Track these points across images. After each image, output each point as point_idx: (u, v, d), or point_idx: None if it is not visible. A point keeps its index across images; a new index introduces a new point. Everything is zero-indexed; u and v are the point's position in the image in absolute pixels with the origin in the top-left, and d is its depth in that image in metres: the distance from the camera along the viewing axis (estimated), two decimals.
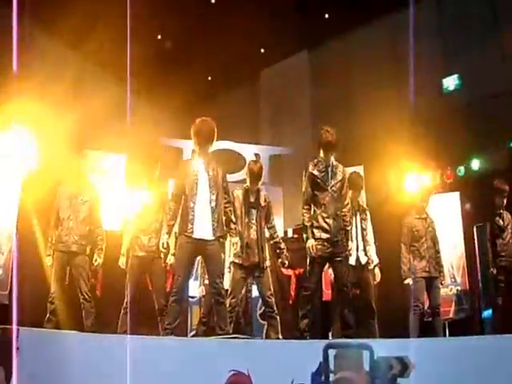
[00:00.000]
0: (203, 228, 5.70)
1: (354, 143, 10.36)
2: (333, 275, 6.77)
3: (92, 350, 4.93)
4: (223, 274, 6.05)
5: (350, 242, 6.31)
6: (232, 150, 11.08)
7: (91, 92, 12.10)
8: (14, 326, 5.36)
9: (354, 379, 4.34)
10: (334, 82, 12.18)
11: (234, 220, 6.11)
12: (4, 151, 8.56)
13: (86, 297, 6.59)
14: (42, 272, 6.90)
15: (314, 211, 6.11)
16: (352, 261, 6.63)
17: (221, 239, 5.89)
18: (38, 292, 7.34)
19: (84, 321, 6.54)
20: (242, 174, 10.84)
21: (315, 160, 6.24)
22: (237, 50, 11.66)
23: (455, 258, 9.05)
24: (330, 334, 7.46)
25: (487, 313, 8.07)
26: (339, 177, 6.19)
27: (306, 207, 6.15)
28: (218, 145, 8.89)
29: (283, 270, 9.02)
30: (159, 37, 12.02)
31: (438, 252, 7.48)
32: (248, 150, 11.22)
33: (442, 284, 7.59)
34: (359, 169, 8.73)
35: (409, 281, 7.34)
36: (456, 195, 9.27)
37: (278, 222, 8.94)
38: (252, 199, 6.59)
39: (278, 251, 6.74)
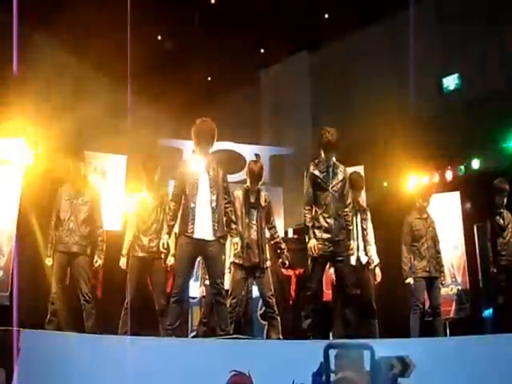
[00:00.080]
0: (204, 228, 5.70)
1: (355, 143, 10.36)
2: (334, 275, 6.79)
3: (93, 351, 4.93)
4: (224, 275, 6.06)
5: (351, 242, 6.31)
6: (232, 150, 11.07)
7: (91, 93, 12.11)
8: (15, 328, 5.36)
9: (355, 379, 4.32)
10: (333, 82, 12.20)
11: (234, 220, 6.10)
12: (4, 153, 8.58)
13: (87, 298, 6.59)
14: (42, 273, 6.89)
15: (316, 211, 6.11)
16: (352, 261, 6.64)
17: (221, 240, 5.89)
18: (38, 293, 7.35)
19: (85, 322, 6.54)
20: (243, 175, 10.85)
21: (316, 160, 6.25)
22: (237, 51, 11.67)
23: (456, 257, 9.05)
24: (331, 334, 7.46)
25: (488, 312, 8.06)
26: (340, 177, 6.19)
27: (307, 207, 6.15)
28: (219, 145, 8.89)
29: (283, 270, 9.02)
30: (159, 37, 12.02)
31: (438, 252, 7.48)
32: (248, 151, 11.21)
33: (442, 284, 7.58)
34: (359, 169, 8.72)
35: (409, 280, 7.33)
36: (456, 195, 9.27)
37: (279, 222, 8.96)
38: (252, 199, 6.58)
39: (278, 251, 6.74)
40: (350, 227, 6.30)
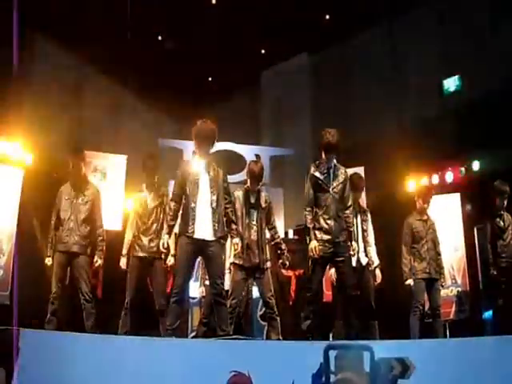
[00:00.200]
0: (204, 229, 5.70)
1: (355, 144, 10.36)
2: (334, 276, 6.79)
3: (92, 351, 4.93)
4: (224, 275, 6.06)
5: (353, 243, 6.31)
6: (232, 150, 11.08)
7: (91, 92, 12.12)
8: (15, 327, 5.37)
9: (355, 380, 4.32)
10: (334, 83, 12.20)
11: (234, 221, 6.10)
12: (4, 153, 8.58)
13: (87, 297, 6.58)
14: (42, 273, 6.89)
15: (316, 213, 6.11)
16: (353, 262, 6.63)
17: (221, 240, 5.90)
18: (38, 293, 7.34)
19: (85, 321, 6.53)
20: (243, 175, 10.87)
21: (317, 162, 6.25)
22: (237, 52, 11.68)
23: (456, 259, 9.05)
24: (331, 335, 7.46)
25: (488, 314, 8.06)
26: (341, 179, 6.19)
27: (308, 209, 6.15)
28: (219, 146, 8.90)
29: (283, 271, 9.02)
30: (159, 38, 12.03)
31: (438, 254, 7.47)
32: (248, 151, 11.21)
33: (442, 286, 7.58)
34: (360, 170, 8.73)
35: (409, 282, 7.33)
36: (457, 196, 9.27)
37: (279, 223, 8.94)
38: (252, 200, 6.59)
39: (278, 252, 6.75)
40: (351, 229, 6.30)
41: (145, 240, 6.67)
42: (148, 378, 4.67)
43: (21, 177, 8.55)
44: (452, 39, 10.32)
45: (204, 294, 7.41)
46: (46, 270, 6.67)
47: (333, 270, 6.71)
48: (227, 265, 6.64)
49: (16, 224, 8.40)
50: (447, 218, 8.95)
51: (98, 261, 6.78)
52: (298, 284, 9.41)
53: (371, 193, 9.22)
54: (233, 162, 10.80)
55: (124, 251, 6.77)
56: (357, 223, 7.00)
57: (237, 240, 5.99)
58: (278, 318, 6.43)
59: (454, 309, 8.87)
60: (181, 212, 5.84)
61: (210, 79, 13.27)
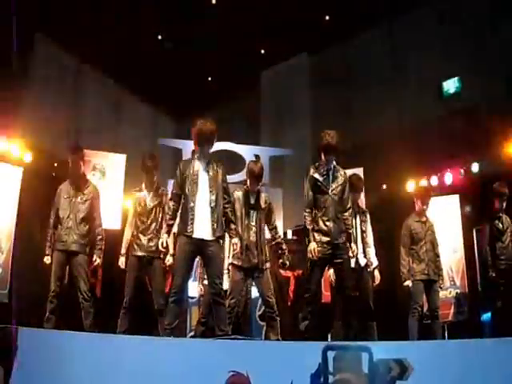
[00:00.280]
0: (203, 228, 5.71)
1: (354, 145, 10.36)
2: (332, 277, 6.79)
3: (91, 350, 4.92)
4: (223, 275, 6.05)
5: (353, 245, 6.30)
6: (232, 151, 11.07)
7: (91, 92, 12.12)
8: (13, 325, 5.36)
9: (353, 381, 4.33)
10: (333, 84, 12.20)
11: (233, 220, 6.10)
12: (3, 152, 8.59)
13: (86, 296, 6.58)
14: (41, 271, 6.89)
15: (315, 214, 6.11)
16: (351, 263, 6.62)
17: (220, 240, 5.90)
18: (37, 291, 7.34)
19: (83, 320, 6.53)
20: (242, 175, 10.87)
21: (316, 163, 6.25)
22: (237, 52, 11.68)
23: (455, 260, 9.06)
24: (329, 336, 7.46)
25: (486, 316, 8.07)
26: (340, 180, 6.19)
27: (307, 210, 6.15)
28: (218, 146, 8.90)
29: (282, 271, 9.04)
30: (159, 37, 12.03)
31: (437, 255, 7.47)
32: (248, 151, 11.21)
33: (441, 287, 7.58)
34: (359, 171, 8.73)
35: (408, 283, 7.33)
36: (456, 198, 9.28)
37: (278, 223, 8.93)
38: (252, 201, 6.58)
39: (279, 252, 6.75)
40: (350, 231, 6.29)
41: (144, 239, 6.67)
42: (146, 378, 4.67)
43: (20, 175, 8.56)
44: (452, 40, 10.33)
45: (202, 293, 7.40)
46: (45, 269, 6.66)
47: (331, 271, 6.71)
48: (226, 265, 6.63)
49: (15, 222, 8.41)
50: (446, 219, 8.96)
51: (97, 260, 6.79)
52: (296, 284, 9.41)
53: (370, 194, 9.22)
54: (232, 162, 10.80)
55: (123, 250, 6.76)
56: (356, 224, 7.00)
57: (236, 240, 5.99)
58: (278, 318, 6.43)
59: (452, 310, 8.88)
60: (180, 211, 5.84)
61: (209, 79, 13.27)
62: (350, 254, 6.25)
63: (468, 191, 9.19)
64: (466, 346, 4.70)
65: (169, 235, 6.06)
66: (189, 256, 5.76)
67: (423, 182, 9.62)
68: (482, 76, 9.85)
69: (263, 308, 8.47)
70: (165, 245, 5.91)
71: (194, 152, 6.12)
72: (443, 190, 9.43)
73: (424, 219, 7.57)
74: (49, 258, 6.66)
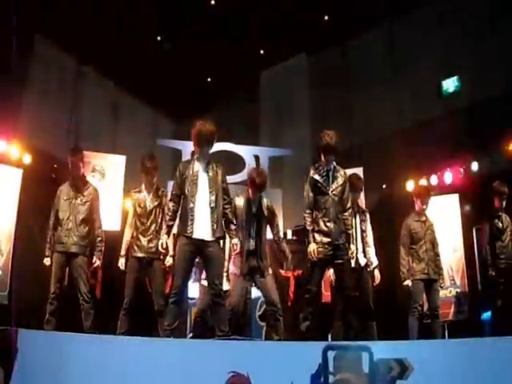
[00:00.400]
0: (202, 229, 5.71)
1: (354, 145, 10.37)
2: (332, 277, 6.79)
3: (91, 351, 4.92)
4: (222, 276, 6.05)
5: (352, 246, 6.30)
6: (231, 151, 11.08)
7: (91, 93, 12.12)
8: (13, 327, 5.36)
9: (353, 381, 4.33)
10: (333, 84, 12.20)
11: (233, 221, 6.10)
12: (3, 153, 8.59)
13: (86, 298, 6.58)
14: (41, 273, 6.88)
15: (316, 215, 6.11)
16: (351, 263, 6.62)
17: (220, 240, 5.90)
18: (37, 293, 7.34)
19: (83, 322, 6.53)
20: (242, 176, 10.88)
21: (316, 164, 6.25)
22: (236, 52, 11.68)
23: (455, 260, 9.06)
24: (330, 336, 7.46)
25: (486, 315, 8.06)
26: (340, 181, 6.18)
27: (307, 211, 6.14)
28: (218, 146, 8.89)
29: (282, 271, 9.04)
30: (158, 38, 12.03)
31: (437, 255, 7.47)
32: (247, 152, 11.21)
33: (441, 287, 7.58)
34: (359, 170, 8.73)
35: (407, 282, 7.33)
36: (455, 197, 9.28)
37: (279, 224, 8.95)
38: (254, 209, 6.55)
39: (281, 254, 6.78)
40: (350, 231, 6.29)
41: (143, 240, 6.66)
42: (147, 379, 4.67)
43: (19, 177, 8.56)
44: (452, 39, 10.33)
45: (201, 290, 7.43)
46: (45, 271, 6.66)
47: (331, 271, 6.70)
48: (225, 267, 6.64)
49: (15, 224, 8.41)
50: (446, 218, 8.96)
51: (97, 261, 6.79)
52: (296, 284, 9.40)
53: (370, 193, 9.22)
54: (232, 163, 10.81)
55: (122, 252, 6.75)
56: (355, 224, 6.99)
57: (236, 240, 6.00)
58: (281, 319, 6.43)
59: (452, 309, 8.88)
60: (179, 212, 5.84)
61: (209, 80, 13.27)
62: (350, 255, 6.25)
63: (468, 190, 9.19)
64: (467, 345, 4.70)
65: (168, 236, 6.06)
66: (189, 257, 5.76)
67: (423, 182, 9.62)
68: (481, 75, 9.85)
69: (263, 308, 8.49)
70: (164, 246, 5.92)
71: (193, 153, 6.12)
72: (443, 190, 9.43)
73: (424, 219, 7.56)
74: (48, 259, 6.66)
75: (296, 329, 6.41)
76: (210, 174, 5.84)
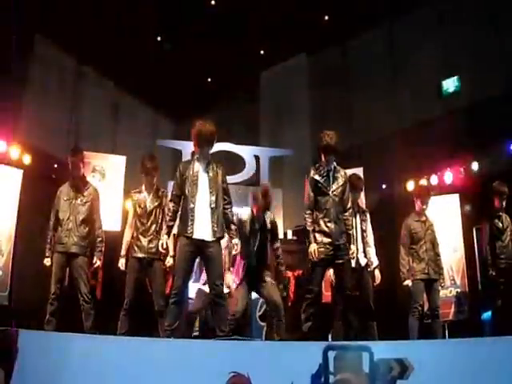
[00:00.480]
0: (203, 229, 5.70)
1: (354, 145, 10.38)
2: (333, 277, 6.79)
3: (91, 352, 4.92)
4: (223, 276, 6.05)
5: (352, 246, 6.30)
6: (232, 151, 11.09)
7: (91, 94, 12.13)
8: (14, 328, 5.36)
9: (354, 381, 4.33)
10: (333, 84, 12.21)
11: (233, 221, 6.10)
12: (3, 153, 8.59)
13: (86, 298, 6.58)
14: (41, 273, 6.88)
15: (316, 216, 6.11)
16: (352, 263, 6.63)
17: (221, 240, 5.89)
18: (37, 294, 7.34)
19: (84, 322, 6.53)
20: (242, 176, 10.91)
21: (316, 165, 6.25)
22: (236, 52, 11.68)
23: (455, 260, 9.06)
24: (330, 336, 7.46)
25: (487, 315, 8.07)
26: (341, 181, 6.19)
27: (308, 212, 6.15)
28: (218, 146, 8.90)
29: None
30: (158, 38, 12.04)
31: (437, 254, 7.47)
32: (248, 152, 11.23)
33: (441, 286, 7.58)
34: (359, 170, 8.74)
35: (407, 282, 7.34)
36: (456, 197, 9.28)
37: (278, 223, 8.95)
38: (257, 226, 6.62)
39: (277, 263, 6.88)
40: (351, 231, 6.30)
41: (144, 241, 6.65)
42: (147, 379, 4.67)
43: (20, 177, 8.56)
44: (452, 39, 10.33)
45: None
46: (45, 271, 6.66)
47: (331, 271, 6.71)
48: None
49: (15, 224, 8.41)
50: (446, 218, 8.97)
51: (97, 262, 6.79)
52: (296, 285, 9.41)
53: (370, 193, 9.22)
54: (232, 163, 10.82)
55: (123, 252, 6.75)
56: (356, 224, 6.99)
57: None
58: (283, 320, 6.46)
59: (453, 309, 8.88)
60: (180, 213, 5.84)
61: (209, 80, 13.28)
62: (350, 256, 6.25)
63: (468, 190, 9.19)
64: (467, 345, 4.71)
65: (169, 236, 6.05)
66: (189, 257, 5.75)
67: (423, 182, 9.62)
68: (481, 75, 9.85)
69: (263, 308, 8.50)
70: (165, 246, 5.91)
71: (193, 153, 6.12)
72: (443, 189, 9.44)
73: (424, 219, 7.56)
74: (49, 260, 6.65)
75: (296, 329, 6.41)
76: (211, 174, 5.84)
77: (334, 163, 6.22)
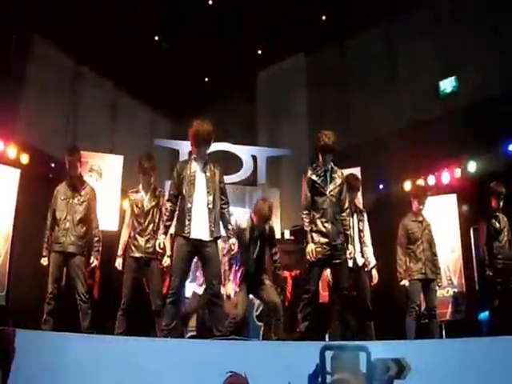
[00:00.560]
0: (200, 229, 5.70)
1: (351, 145, 10.38)
2: (330, 277, 6.79)
3: (89, 352, 4.92)
4: (220, 276, 6.05)
5: (350, 246, 6.30)
6: (229, 151, 11.09)
7: (88, 93, 12.12)
8: (11, 328, 5.35)
9: (351, 381, 4.34)
10: (330, 84, 12.22)
11: (230, 221, 6.10)
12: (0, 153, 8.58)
13: (83, 298, 6.57)
14: (38, 273, 6.88)
15: (313, 216, 6.11)
16: (349, 263, 6.63)
17: (218, 240, 5.89)
18: (34, 293, 7.33)
19: (81, 322, 6.52)
20: (239, 176, 10.91)
21: (314, 165, 6.25)
22: (234, 52, 11.69)
23: (452, 260, 9.07)
24: (327, 336, 7.46)
25: (484, 315, 8.08)
26: (338, 181, 6.20)
27: (305, 212, 6.15)
28: (215, 146, 8.90)
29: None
30: (156, 38, 12.04)
31: (434, 254, 7.48)
32: (245, 152, 11.23)
33: (439, 286, 7.59)
34: (356, 170, 8.74)
35: (404, 282, 7.35)
36: (453, 197, 9.28)
37: (275, 223, 8.96)
38: (257, 233, 6.64)
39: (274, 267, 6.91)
40: (348, 232, 6.30)
41: (141, 240, 6.65)
42: (144, 379, 4.67)
43: (17, 177, 8.55)
44: (449, 40, 10.34)
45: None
46: (42, 271, 6.65)
47: (329, 271, 6.71)
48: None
49: (12, 224, 8.40)
50: (444, 218, 8.97)
51: (94, 261, 6.78)
52: (293, 284, 9.41)
53: (367, 194, 9.22)
54: (229, 163, 10.82)
55: (119, 252, 6.75)
56: (353, 223, 7.00)
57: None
58: (282, 319, 6.47)
59: (450, 309, 8.88)
60: (177, 212, 5.84)
61: (206, 80, 13.28)
62: (347, 256, 6.25)
63: (465, 190, 9.19)
64: (464, 345, 4.71)
65: (166, 236, 6.04)
66: (186, 257, 5.75)
67: (420, 182, 9.63)
68: (479, 75, 9.87)
69: (260, 308, 8.50)
70: (162, 246, 5.92)
71: (190, 153, 6.12)
72: (440, 190, 9.44)
73: (421, 219, 7.57)
74: (46, 259, 6.65)
75: (293, 329, 6.41)
76: (208, 174, 5.84)
77: (332, 163, 6.22)
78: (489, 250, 7.60)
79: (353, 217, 7.02)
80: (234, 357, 4.70)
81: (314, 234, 6.07)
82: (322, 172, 6.16)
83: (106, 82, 12.65)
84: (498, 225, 7.65)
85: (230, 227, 6.01)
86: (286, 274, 9.37)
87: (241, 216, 6.88)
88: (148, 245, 6.62)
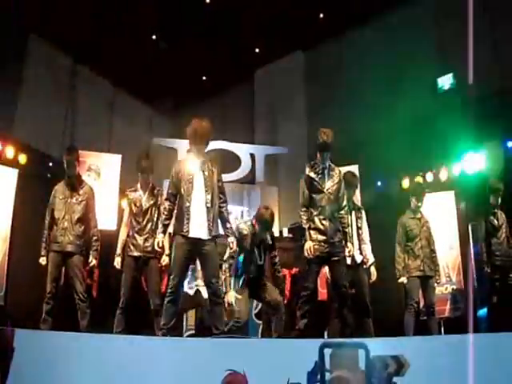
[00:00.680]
0: (199, 228, 5.70)
1: (349, 142, 10.36)
2: (328, 275, 6.80)
3: (88, 351, 4.92)
4: (219, 274, 6.05)
5: (349, 244, 6.29)
6: (227, 149, 11.08)
7: (86, 93, 12.11)
8: (9, 327, 5.35)
9: (350, 378, 4.34)
10: (328, 82, 12.21)
11: (229, 220, 6.10)
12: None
13: (82, 297, 6.58)
14: (37, 272, 6.87)
15: (311, 213, 6.12)
16: (348, 260, 6.63)
17: (216, 239, 5.89)
18: (33, 293, 7.33)
19: (80, 321, 6.53)
20: (237, 175, 10.90)
21: (312, 162, 6.27)
22: (231, 50, 11.69)
23: (450, 257, 9.07)
24: (326, 333, 7.47)
25: (482, 311, 8.08)
26: (336, 179, 6.21)
27: (303, 209, 6.16)
28: (213, 145, 8.90)
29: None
30: (154, 37, 12.03)
31: (433, 251, 7.48)
32: (243, 150, 11.23)
33: (437, 283, 7.60)
34: (354, 168, 8.74)
35: (403, 280, 7.36)
36: (451, 194, 9.28)
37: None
38: (258, 240, 6.62)
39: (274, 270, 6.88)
40: (346, 229, 6.30)
41: (139, 239, 6.66)
42: (143, 378, 4.67)
43: (15, 176, 8.54)
44: (447, 36, 10.33)
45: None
46: (41, 270, 6.65)
47: (327, 268, 6.72)
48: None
49: (10, 224, 8.39)
50: (442, 215, 8.96)
51: (93, 260, 6.78)
52: (292, 282, 9.41)
53: (365, 191, 9.22)
54: (227, 161, 10.81)
55: (118, 251, 6.76)
56: (351, 221, 7.00)
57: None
58: (284, 317, 6.48)
59: (448, 306, 8.88)
60: (175, 211, 5.84)
61: (204, 78, 13.27)
62: (346, 253, 6.25)
63: (463, 187, 9.18)
64: (462, 342, 4.71)
65: (164, 235, 6.04)
66: (185, 256, 5.75)
67: (418, 179, 9.62)
68: (476, 72, 9.85)
69: (259, 306, 8.51)
70: (160, 245, 5.91)
71: (189, 151, 6.11)
72: (439, 187, 9.44)
73: (419, 216, 7.58)
74: (44, 259, 6.65)
75: (292, 326, 6.42)
76: (206, 172, 5.83)
77: (330, 161, 6.22)
78: (487, 247, 7.60)
79: (351, 214, 7.02)
80: (232, 355, 4.70)
81: (312, 232, 6.08)
82: (320, 169, 6.17)
83: (103, 81, 12.65)
84: (496, 222, 7.66)
85: (228, 226, 6.00)
86: (285, 271, 9.37)
87: (241, 220, 6.83)
88: (146, 244, 6.63)
